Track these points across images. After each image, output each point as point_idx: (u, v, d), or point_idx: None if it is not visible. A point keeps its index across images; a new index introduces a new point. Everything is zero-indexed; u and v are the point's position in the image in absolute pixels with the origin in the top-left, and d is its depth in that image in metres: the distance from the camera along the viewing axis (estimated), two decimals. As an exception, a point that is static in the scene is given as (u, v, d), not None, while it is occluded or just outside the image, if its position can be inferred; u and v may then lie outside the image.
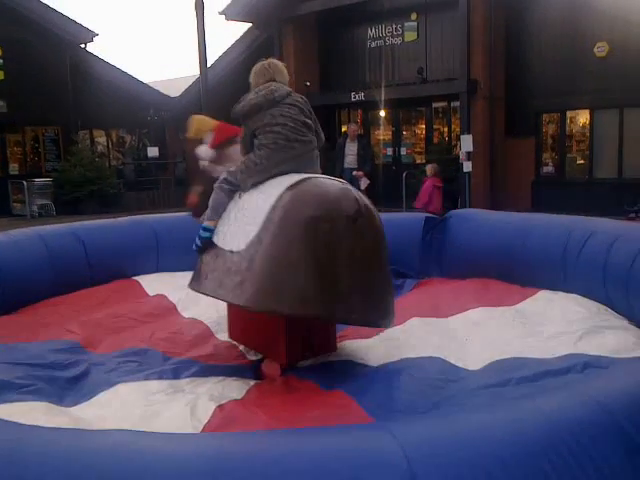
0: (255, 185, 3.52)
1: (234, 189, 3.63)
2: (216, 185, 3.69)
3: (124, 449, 1.52)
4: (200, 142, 4.12)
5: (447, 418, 1.78)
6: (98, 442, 1.59)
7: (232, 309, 3.93)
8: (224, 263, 3.40)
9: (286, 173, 3.46)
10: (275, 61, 3.82)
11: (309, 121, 3.60)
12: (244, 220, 3.42)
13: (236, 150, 3.83)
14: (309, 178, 3.38)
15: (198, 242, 3.64)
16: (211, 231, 3.61)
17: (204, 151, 4.10)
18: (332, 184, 3.39)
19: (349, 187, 3.44)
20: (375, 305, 3.28)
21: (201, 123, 4.26)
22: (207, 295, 3.54)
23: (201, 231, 3.63)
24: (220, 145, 4.06)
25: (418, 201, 10.75)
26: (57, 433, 1.74)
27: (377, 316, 3.32)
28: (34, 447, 1.62)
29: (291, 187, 3.29)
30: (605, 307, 4.08)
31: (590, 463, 1.56)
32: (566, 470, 1.54)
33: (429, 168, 11.43)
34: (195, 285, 3.63)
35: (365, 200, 3.39)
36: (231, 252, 3.38)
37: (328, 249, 3.13)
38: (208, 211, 3.68)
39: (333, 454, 1.50)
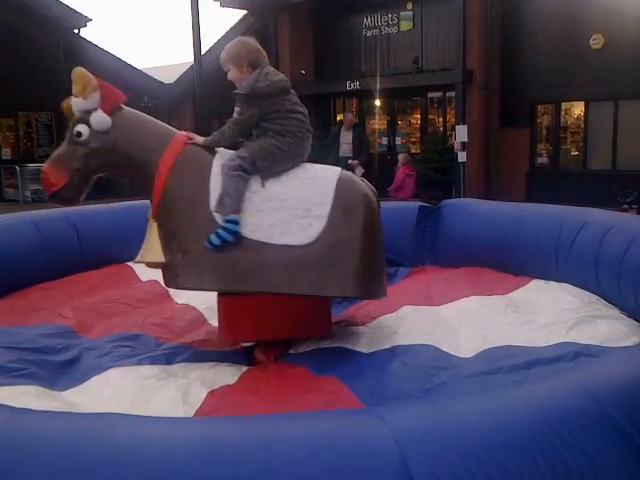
0: (279, 173, 3.42)
1: (247, 177, 3.38)
2: (231, 172, 3.35)
3: (109, 432, 1.52)
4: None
5: (438, 404, 1.78)
6: (82, 425, 1.59)
7: (243, 306, 3.52)
8: (281, 258, 3.29)
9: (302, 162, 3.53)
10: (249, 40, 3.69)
11: None
12: (290, 211, 3.33)
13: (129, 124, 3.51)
14: (334, 168, 3.66)
15: (227, 237, 3.26)
16: (239, 224, 3.31)
17: (97, 118, 3.41)
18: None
19: None
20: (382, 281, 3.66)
21: (87, 79, 3.47)
22: (262, 293, 3.36)
23: (229, 224, 3.27)
24: (112, 112, 3.47)
25: (393, 187, 11.96)
26: (44, 416, 1.74)
27: (382, 290, 3.65)
28: (23, 430, 1.62)
29: (340, 176, 3.51)
30: (597, 297, 4.10)
31: (580, 451, 1.57)
32: (556, 458, 1.54)
33: (401, 157, 12.60)
34: (229, 284, 3.34)
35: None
36: (289, 246, 3.30)
37: (381, 233, 3.64)
38: (230, 202, 3.31)
39: (322, 439, 1.50)
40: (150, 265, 3.63)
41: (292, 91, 3.54)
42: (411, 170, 12.15)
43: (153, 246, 3.45)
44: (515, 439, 1.53)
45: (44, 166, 3.54)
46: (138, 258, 3.57)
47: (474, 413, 1.63)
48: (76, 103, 3.45)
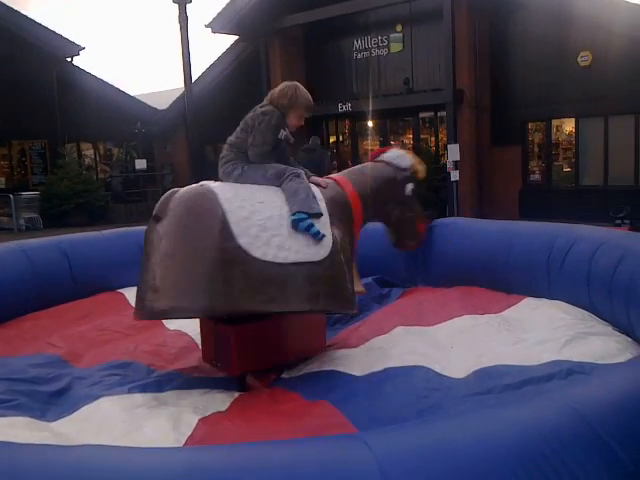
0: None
1: None
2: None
3: (91, 465, 1.50)
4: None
5: (422, 428, 1.76)
6: (63, 458, 1.57)
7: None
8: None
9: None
10: (283, 84, 3.94)
11: (232, 138, 3.82)
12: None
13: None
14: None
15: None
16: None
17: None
18: None
19: None
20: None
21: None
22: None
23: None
24: None
25: None
26: (23, 448, 1.72)
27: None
28: (10, 464, 1.60)
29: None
30: (589, 313, 4.08)
31: (567, 471, 1.56)
32: (541, 476, 1.53)
33: None
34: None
35: None
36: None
37: None
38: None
39: (306, 466, 1.48)
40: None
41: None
42: None
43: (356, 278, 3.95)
44: (501, 462, 1.52)
45: None
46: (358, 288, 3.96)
47: (460, 437, 1.61)
48: None
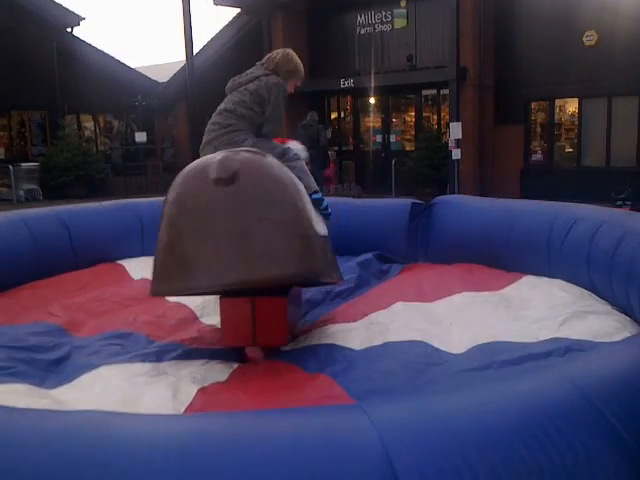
0: None
1: None
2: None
3: (91, 429, 1.51)
4: None
5: (423, 399, 1.77)
6: (63, 422, 1.57)
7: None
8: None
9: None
10: (282, 50, 3.99)
11: (240, 109, 3.71)
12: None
13: None
14: None
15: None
16: None
17: None
18: None
19: None
20: None
21: None
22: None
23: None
24: None
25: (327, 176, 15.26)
26: (23, 413, 1.72)
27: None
28: (11, 428, 1.61)
29: None
30: (589, 292, 4.09)
31: (566, 446, 1.56)
32: (541, 452, 1.53)
33: (333, 155, 16.75)
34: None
35: None
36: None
37: None
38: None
39: (306, 434, 1.49)
40: None
41: (240, 88, 3.82)
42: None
43: None
44: (500, 434, 1.52)
45: None
46: None
47: (460, 408, 1.62)
48: None
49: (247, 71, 3.91)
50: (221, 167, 3.09)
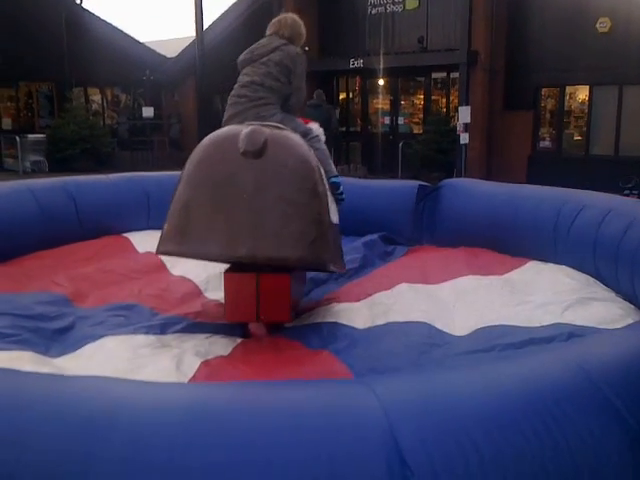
0: None
1: None
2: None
3: (96, 394, 1.52)
4: None
5: (427, 376, 1.78)
6: (70, 386, 1.58)
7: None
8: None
9: None
10: (288, 15, 3.88)
11: (268, 81, 3.62)
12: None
13: None
14: None
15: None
16: None
17: None
18: None
19: None
20: None
21: None
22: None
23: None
24: None
25: None
26: (30, 376, 1.74)
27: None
28: (16, 391, 1.62)
29: None
30: (594, 279, 4.09)
31: (570, 427, 1.57)
32: (545, 432, 1.54)
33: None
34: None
35: None
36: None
37: None
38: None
39: (311, 406, 1.50)
40: None
41: (262, 60, 3.68)
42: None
43: None
44: (505, 412, 1.53)
45: None
46: None
47: (465, 386, 1.62)
48: None
49: (261, 42, 3.79)
50: (250, 139, 3.09)
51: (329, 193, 3.50)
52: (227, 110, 3.71)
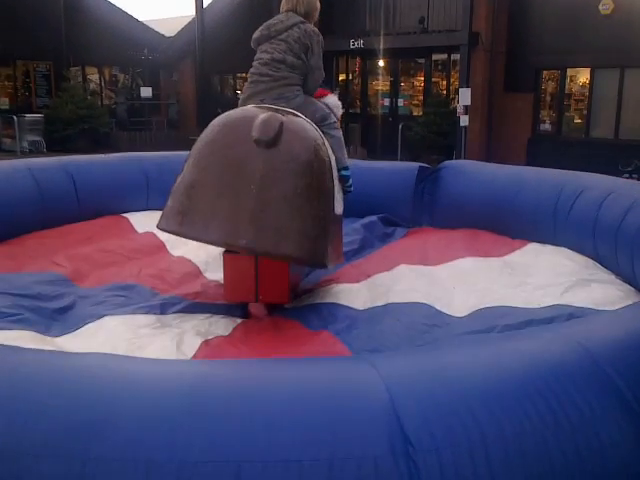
0: None
1: None
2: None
3: (100, 370, 1.52)
4: None
5: (429, 354, 1.79)
6: (73, 363, 1.59)
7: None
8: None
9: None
10: None
11: (290, 58, 3.47)
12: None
13: None
14: None
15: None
16: None
17: None
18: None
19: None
20: None
21: None
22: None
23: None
24: None
25: None
26: (32, 353, 1.74)
27: None
28: (6, 366, 1.62)
29: None
30: (593, 261, 4.09)
31: (571, 404, 1.58)
32: (547, 409, 1.55)
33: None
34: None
35: None
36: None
37: None
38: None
39: (313, 383, 1.50)
40: None
41: (281, 37, 3.52)
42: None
43: None
44: (507, 389, 1.54)
45: None
46: None
47: (466, 363, 1.63)
48: None
49: (278, 17, 3.62)
50: (264, 128, 3.01)
51: (336, 182, 3.42)
52: (246, 88, 3.58)
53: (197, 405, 1.41)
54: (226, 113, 3.29)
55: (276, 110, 3.24)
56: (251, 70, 3.58)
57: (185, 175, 3.13)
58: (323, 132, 3.55)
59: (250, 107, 3.35)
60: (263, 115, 3.09)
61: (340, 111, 4.08)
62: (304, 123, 3.26)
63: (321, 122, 3.58)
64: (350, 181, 3.79)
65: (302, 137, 3.12)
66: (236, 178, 2.98)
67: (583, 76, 14.58)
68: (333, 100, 4.02)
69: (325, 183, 3.15)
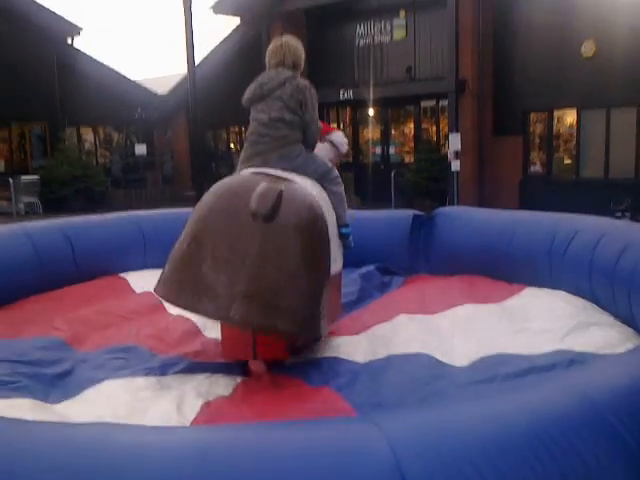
0: None
1: None
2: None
3: (103, 440, 1.51)
4: None
5: (432, 410, 1.78)
6: (73, 434, 1.58)
7: None
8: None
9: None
10: (289, 40, 3.65)
11: (288, 115, 3.45)
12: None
13: None
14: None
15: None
16: None
17: None
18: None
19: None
20: None
21: None
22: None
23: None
24: None
25: None
26: (32, 425, 1.73)
27: None
28: (20, 440, 1.61)
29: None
30: (591, 303, 4.10)
31: (576, 455, 1.57)
32: (552, 462, 1.54)
33: None
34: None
35: None
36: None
37: None
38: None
39: (318, 446, 1.49)
40: None
41: (275, 94, 3.49)
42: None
43: None
44: (511, 444, 1.53)
45: None
46: None
47: (469, 419, 1.62)
48: None
49: (269, 74, 3.56)
50: (262, 200, 3.01)
51: (335, 239, 3.41)
52: (246, 149, 3.56)
53: (201, 476, 1.39)
54: (226, 181, 3.28)
55: (276, 177, 3.25)
56: (249, 130, 3.58)
57: (183, 244, 3.14)
58: (324, 187, 3.57)
59: (250, 174, 3.35)
60: (261, 186, 3.09)
61: (346, 147, 4.10)
62: (303, 191, 3.23)
63: (322, 178, 3.57)
64: (350, 238, 3.74)
65: (301, 208, 3.10)
66: (232, 252, 2.98)
67: (570, 117, 14.82)
68: (339, 136, 4.06)
69: (323, 254, 3.15)
